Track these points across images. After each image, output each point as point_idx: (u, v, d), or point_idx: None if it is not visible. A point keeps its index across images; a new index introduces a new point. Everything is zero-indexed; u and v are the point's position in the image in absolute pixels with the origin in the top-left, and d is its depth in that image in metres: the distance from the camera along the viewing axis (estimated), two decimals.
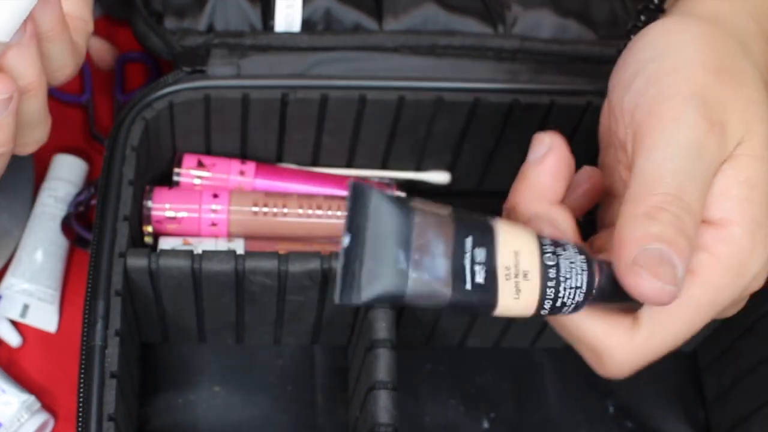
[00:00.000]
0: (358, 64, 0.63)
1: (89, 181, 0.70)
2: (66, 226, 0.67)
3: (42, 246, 0.66)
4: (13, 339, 0.65)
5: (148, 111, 0.60)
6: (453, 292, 0.39)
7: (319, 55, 0.62)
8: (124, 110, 0.60)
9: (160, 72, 0.75)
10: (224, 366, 0.64)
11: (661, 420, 0.66)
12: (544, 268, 0.41)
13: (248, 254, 0.56)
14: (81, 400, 0.52)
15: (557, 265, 0.41)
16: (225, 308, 0.60)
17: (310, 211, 0.63)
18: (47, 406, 0.63)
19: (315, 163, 0.67)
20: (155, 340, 0.64)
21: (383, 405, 0.54)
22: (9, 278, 0.66)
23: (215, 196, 0.62)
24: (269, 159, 0.66)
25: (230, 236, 0.63)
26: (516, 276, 0.40)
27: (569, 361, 0.67)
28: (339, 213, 0.63)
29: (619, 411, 0.66)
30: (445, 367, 0.66)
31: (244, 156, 0.66)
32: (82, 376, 0.53)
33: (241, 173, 0.65)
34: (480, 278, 0.40)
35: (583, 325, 0.43)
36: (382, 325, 0.56)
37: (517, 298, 0.40)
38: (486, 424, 0.64)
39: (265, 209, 0.62)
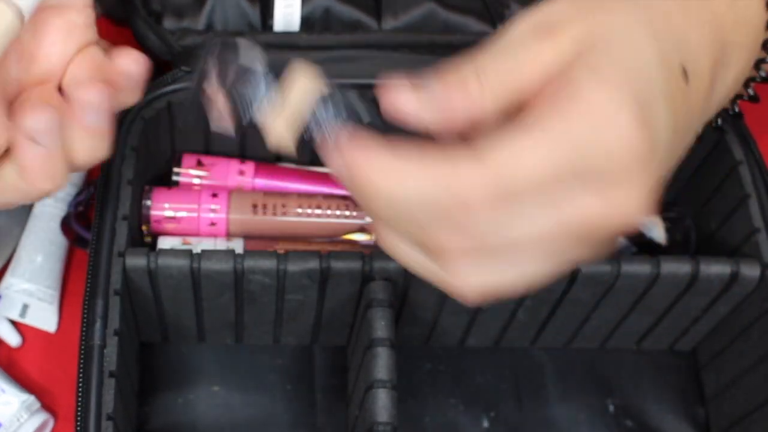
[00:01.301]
0: (357, 63, 0.63)
1: (89, 181, 0.70)
2: (65, 225, 0.67)
3: (41, 246, 0.66)
4: (13, 339, 0.65)
5: (147, 111, 0.60)
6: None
7: (317, 54, 0.62)
8: (123, 110, 0.60)
9: (160, 72, 0.74)
10: (223, 365, 0.64)
11: (661, 419, 0.66)
12: None
13: (247, 253, 0.56)
14: (80, 399, 0.52)
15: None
16: (224, 308, 0.60)
17: (309, 211, 0.63)
18: (47, 405, 0.63)
19: (314, 163, 0.67)
20: (154, 340, 0.64)
21: (382, 404, 0.53)
22: (8, 278, 0.66)
23: (214, 195, 0.62)
24: (268, 158, 0.66)
25: (229, 236, 0.62)
26: None
27: (569, 360, 0.67)
28: (339, 212, 0.63)
29: (619, 410, 0.66)
30: (444, 366, 0.66)
31: (243, 155, 0.66)
32: (81, 375, 0.53)
33: (241, 173, 0.65)
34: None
35: (409, 173, 0.39)
36: (381, 324, 0.56)
37: None
38: (486, 424, 0.64)
39: (265, 209, 0.62)
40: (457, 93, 0.42)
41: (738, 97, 0.55)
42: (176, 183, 0.64)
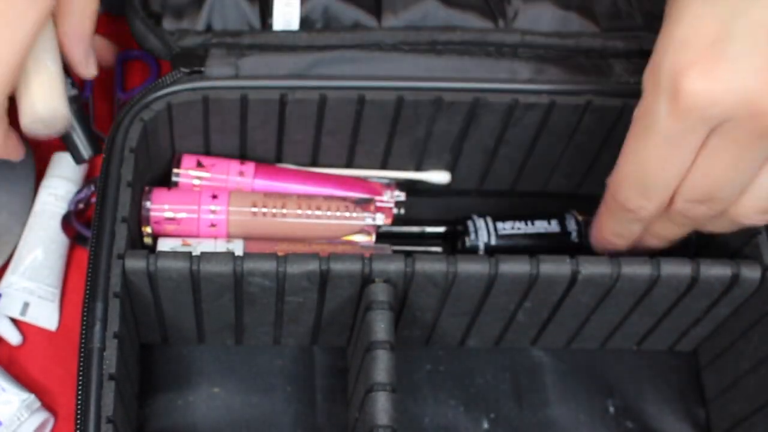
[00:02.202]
0: (357, 64, 0.62)
1: (89, 179, 0.70)
2: (66, 223, 0.67)
3: (42, 244, 0.66)
4: (14, 337, 0.65)
5: (146, 112, 0.60)
6: None
7: (317, 55, 0.62)
8: (122, 112, 0.60)
9: (160, 70, 0.74)
10: (223, 367, 0.64)
11: (661, 420, 0.66)
12: None
13: (246, 256, 0.56)
14: (79, 402, 0.52)
15: None
16: (224, 309, 0.60)
17: (309, 212, 0.62)
18: (47, 404, 0.63)
19: (314, 164, 0.67)
20: (154, 342, 0.64)
21: (382, 407, 0.53)
22: (9, 276, 0.66)
23: (214, 196, 0.62)
24: (268, 159, 0.66)
25: (229, 237, 0.62)
26: None
27: (570, 361, 0.67)
28: (338, 213, 0.63)
29: (619, 411, 0.66)
30: (444, 367, 0.66)
31: (243, 156, 0.66)
32: (81, 378, 0.53)
33: (240, 174, 0.64)
34: None
35: None
36: (380, 326, 0.55)
37: None
38: (486, 425, 0.64)
39: (264, 210, 0.62)
40: None
41: None
42: (176, 184, 0.64)
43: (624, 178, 0.54)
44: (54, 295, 0.66)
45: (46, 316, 0.66)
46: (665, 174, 0.52)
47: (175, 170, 0.64)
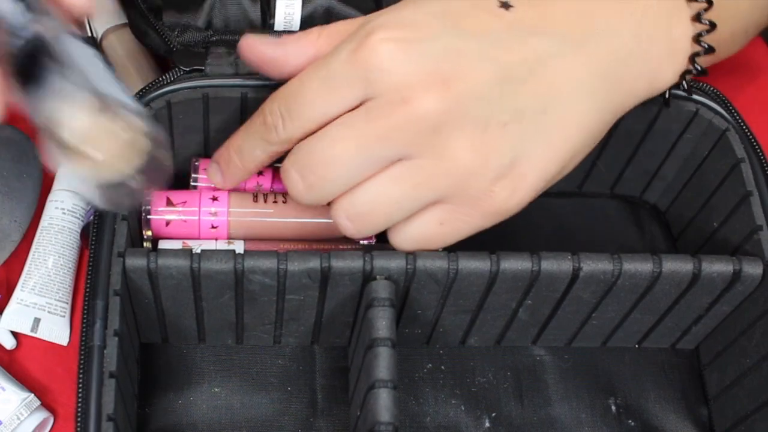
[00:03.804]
0: None
1: None
2: (84, 235, 0.66)
3: (51, 259, 0.66)
4: (8, 342, 0.65)
5: (145, 111, 0.60)
6: None
7: None
8: None
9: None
10: (224, 367, 0.64)
11: (663, 418, 0.65)
12: None
13: (247, 253, 0.56)
14: (80, 400, 0.52)
15: None
16: (224, 308, 0.59)
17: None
18: (47, 403, 0.63)
19: None
20: (155, 340, 0.64)
21: (383, 404, 0.53)
22: (18, 292, 0.65)
23: (214, 198, 0.62)
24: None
25: (230, 238, 0.62)
26: None
27: (571, 359, 0.67)
28: None
29: (621, 409, 0.65)
30: (445, 366, 0.66)
31: None
32: (81, 376, 0.53)
33: (258, 179, 0.64)
34: None
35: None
36: (382, 324, 0.55)
37: None
38: (487, 424, 0.64)
39: (266, 200, 0.62)
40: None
41: (687, 72, 0.56)
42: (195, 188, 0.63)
43: (281, 91, 0.54)
44: (65, 310, 0.65)
45: (57, 331, 0.65)
46: (311, 109, 0.52)
47: (193, 175, 0.63)
